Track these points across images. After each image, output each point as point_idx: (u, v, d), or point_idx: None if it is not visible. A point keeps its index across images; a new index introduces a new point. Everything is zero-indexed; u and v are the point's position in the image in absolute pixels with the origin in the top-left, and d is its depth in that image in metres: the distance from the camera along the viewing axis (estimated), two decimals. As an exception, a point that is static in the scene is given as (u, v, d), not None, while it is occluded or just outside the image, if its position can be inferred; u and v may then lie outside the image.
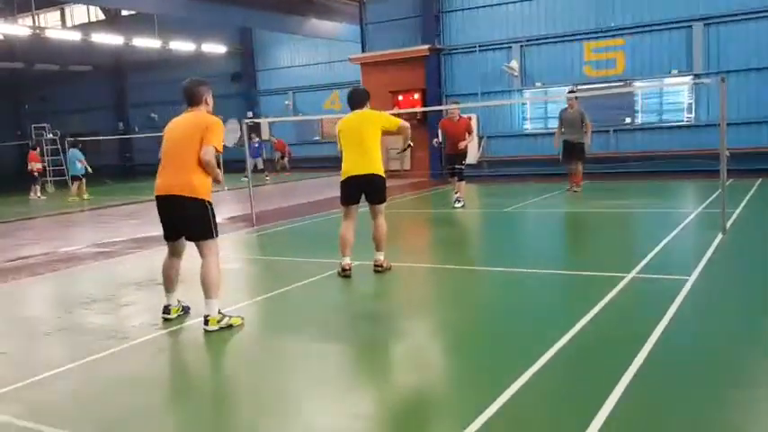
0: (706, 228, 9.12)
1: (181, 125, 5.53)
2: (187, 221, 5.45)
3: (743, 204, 10.73)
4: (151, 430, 3.66)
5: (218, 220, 5.60)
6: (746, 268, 6.92)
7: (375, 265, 7.10)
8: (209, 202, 5.43)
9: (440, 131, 13.26)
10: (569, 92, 13.99)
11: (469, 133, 12.57)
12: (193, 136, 5.32)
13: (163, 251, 5.89)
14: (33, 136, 26.19)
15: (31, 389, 4.37)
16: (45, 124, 27.41)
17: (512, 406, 3.63)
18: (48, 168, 24.46)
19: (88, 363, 4.84)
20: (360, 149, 7.23)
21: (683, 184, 14.89)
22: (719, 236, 8.11)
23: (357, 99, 7.47)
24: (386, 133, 7.49)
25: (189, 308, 5.94)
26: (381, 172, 7.28)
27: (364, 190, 7.26)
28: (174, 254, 5.76)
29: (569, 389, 3.90)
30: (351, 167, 7.21)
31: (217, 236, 5.50)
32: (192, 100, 5.60)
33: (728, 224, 8.58)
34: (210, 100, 5.67)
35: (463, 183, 12.76)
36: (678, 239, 8.44)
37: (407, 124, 7.41)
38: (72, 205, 18.18)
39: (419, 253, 9.20)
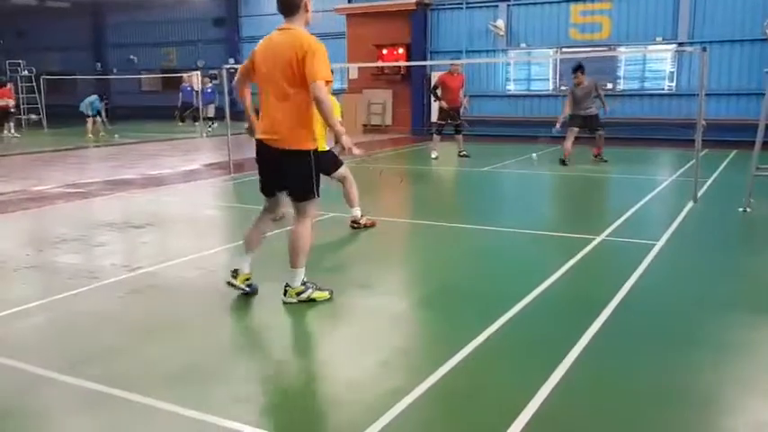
0: (678, 195, 9.26)
1: (276, 49, 4.39)
2: (287, 177, 4.55)
3: (716, 174, 10.88)
4: (118, 367, 3.69)
5: (195, 166, 5.50)
6: (713, 236, 7.06)
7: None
8: (313, 152, 4.50)
9: (438, 87, 13.59)
10: (576, 68, 12.40)
11: (462, 86, 13.78)
12: (291, 64, 4.29)
13: (136, 195, 5.84)
14: (8, 72, 25.55)
15: (-2, 323, 4.39)
16: (20, 61, 26.74)
17: (471, 361, 3.73)
18: (22, 106, 23.95)
19: (56, 300, 4.85)
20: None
21: (660, 151, 15.02)
22: (690, 204, 8.24)
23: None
24: None
25: (257, 288, 4.88)
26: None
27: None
28: (267, 210, 4.86)
29: (529, 346, 4.01)
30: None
31: (318, 196, 4.63)
32: (290, 7, 4.43)
33: (700, 193, 8.71)
34: (311, 6, 4.53)
35: (461, 136, 13.91)
36: (650, 205, 8.57)
37: (326, 99, 4.30)
38: (44, 144, 17.87)
39: (393, 208, 9.24)
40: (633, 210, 8.07)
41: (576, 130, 12.48)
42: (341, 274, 5.60)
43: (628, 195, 9.46)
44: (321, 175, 4.80)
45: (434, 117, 19.64)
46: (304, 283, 4.71)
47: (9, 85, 22.03)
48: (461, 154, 13.81)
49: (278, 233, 6.03)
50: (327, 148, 6.64)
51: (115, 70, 34.87)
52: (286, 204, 4.86)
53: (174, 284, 5.35)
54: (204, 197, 10.01)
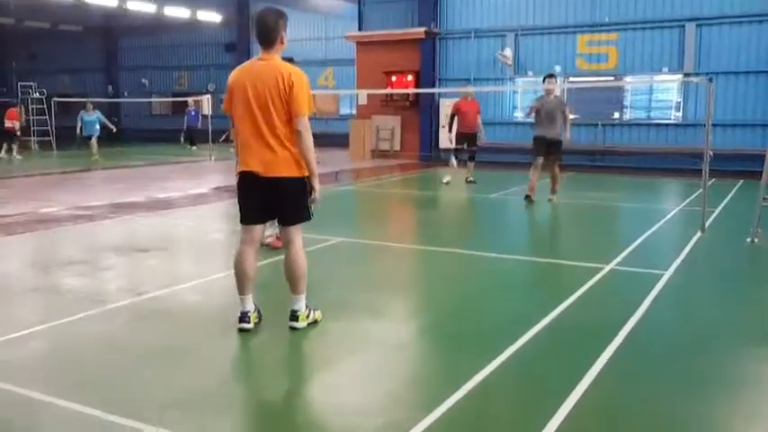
0: (686, 225, 9.22)
1: (262, 80, 4.37)
2: (282, 202, 4.52)
3: (723, 204, 10.84)
4: (117, 393, 3.67)
5: (203, 189, 5.50)
6: (722, 267, 7.02)
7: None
8: (306, 177, 4.50)
9: (456, 114, 13.59)
10: (548, 76, 11.30)
11: (479, 112, 13.65)
12: (280, 96, 4.32)
13: (143, 218, 5.84)
14: (19, 94, 25.83)
15: (1, 348, 4.36)
16: (32, 83, 27.04)
17: (477, 394, 3.68)
18: (32, 128, 24.16)
19: (60, 324, 4.83)
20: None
21: (667, 180, 15.01)
22: (698, 234, 8.20)
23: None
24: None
25: (261, 314, 4.80)
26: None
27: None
28: (252, 241, 4.67)
29: (537, 379, 3.95)
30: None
31: (312, 217, 4.64)
32: (269, 37, 4.44)
33: (708, 223, 8.67)
34: (286, 40, 4.53)
35: (473, 163, 13.78)
36: (658, 235, 8.53)
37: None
38: (52, 166, 17.97)
39: (400, 233, 9.22)
40: (641, 239, 8.04)
41: (541, 160, 11.03)
42: (346, 300, 5.57)
43: (636, 224, 9.43)
44: None
45: (442, 143, 19.85)
46: (306, 306, 4.71)
47: (20, 107, 22.23)
48: (468, 180, 13.81)
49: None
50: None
51: (126, 93, 35.22)
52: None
53: (178, 309, 5.33)
54: (211, 221, 10.03)
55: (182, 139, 25.66)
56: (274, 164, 4.42)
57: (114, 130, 20.59)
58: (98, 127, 19.88)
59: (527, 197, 11.00)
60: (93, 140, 19.65)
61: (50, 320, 4.89)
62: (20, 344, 4.46)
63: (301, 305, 4.66)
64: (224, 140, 22.40)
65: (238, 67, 4.62)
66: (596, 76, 17.89)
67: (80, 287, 5.91)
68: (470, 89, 14.14)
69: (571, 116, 11.32)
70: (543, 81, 11.15)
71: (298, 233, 4.64)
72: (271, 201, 4.54)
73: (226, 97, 4.58)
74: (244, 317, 4.63)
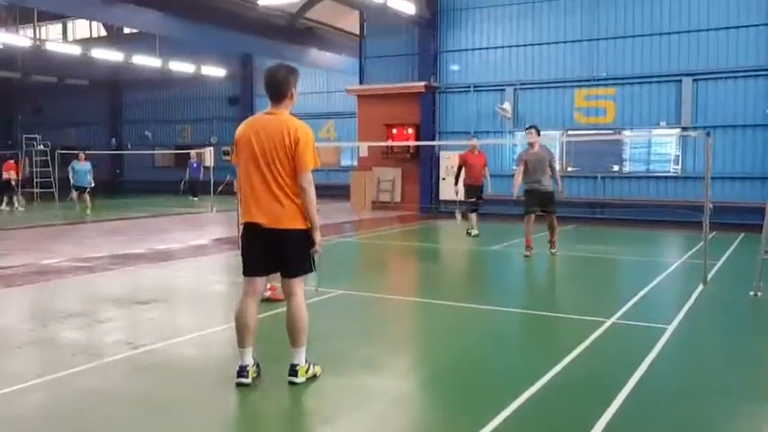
0: (687, 278, 9.18)
1: (270, 134, 4.45)
2: (284, 254, 4.52)
3: (725, 257, 10.82)
4: (115, 450, 3.60)
5: (204, 241, 5.51)
6: (725, 321, 6.96)
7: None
8: (309, 229, 4.54)
9: (460, 165, 13.53)
10: (528, 128, 11.17)
11: (485, 165, 13.48)
12: (286, 150, 4.40)
13: (143, 270, 5.84)
14: (24, 146, 26.10)
15: (-3, 401, 4.31)
16: (36, 135, 27.35)
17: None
18: (35, 180, 24.31)
19: (57, 378, 4.77)
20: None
21: (667, 233, 15.01)
22: (700, 287, 8.16)
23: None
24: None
25: (260, 368, 4.73)
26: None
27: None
28: (254, 293, 4.65)
29: (540, 432, 3.89)
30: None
31: (314, 269, 4.67)
32: (279, 91, 4.55)
33: (710, 276, 8.64)
34: (296, 96, 4.66)
35: (475, 215, 13.55)
36: (660, 288, 8.49)
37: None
38: (54, 218, 18.00)
39: (400, 286, 9.18)
40: (643, 292, 7.99)
41: (533, 213, 10.93)
42: (347, 353, 5.51)
43: (637, 277, 9.39)
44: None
45: (443, 195, 19.96)
46: (306, 360, 4.65)
47: (23, 160, 22.41)
48: (469, 232, 13.76)
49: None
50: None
51: (129, 145, 35.60)
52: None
53: (176, 363, 5.27)
54: (211, 272, 10.01)
55: (181, 189, 25.91)
56: (278, 216, 4.45)
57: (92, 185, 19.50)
58: (90, 178, 19.19)
59: (526, 257, 10.84)
60: (86, 194, 19.02)
61: (47, 374, 4.84)
62: (17, 397, 4.40)
63: (301, 359, 4.60)
64: (220, 191, 22.54)
65: (246, 121, 4.69)
66: (595, 129, 18.10)
67: (78, 340, 5.86)
68: (476, 142, 14.08)
69: (570, 168, 11.33)
70: (525, 131, 11.11)
71: (300, 285, 4.63)
72: (273, 252, 4.54)
73: (233, 150, 4.64)
74: (242, 371, 4.56)
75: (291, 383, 4.57)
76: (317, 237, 4.55)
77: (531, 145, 10.92)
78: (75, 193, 19.35)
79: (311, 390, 4.56)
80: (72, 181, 19.28)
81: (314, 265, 4.63)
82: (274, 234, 4.48)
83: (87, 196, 19.11)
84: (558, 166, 11.12)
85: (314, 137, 4.56)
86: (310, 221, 4.52)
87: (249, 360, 4.60)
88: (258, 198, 4.49)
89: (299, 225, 4.50)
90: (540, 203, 10.86)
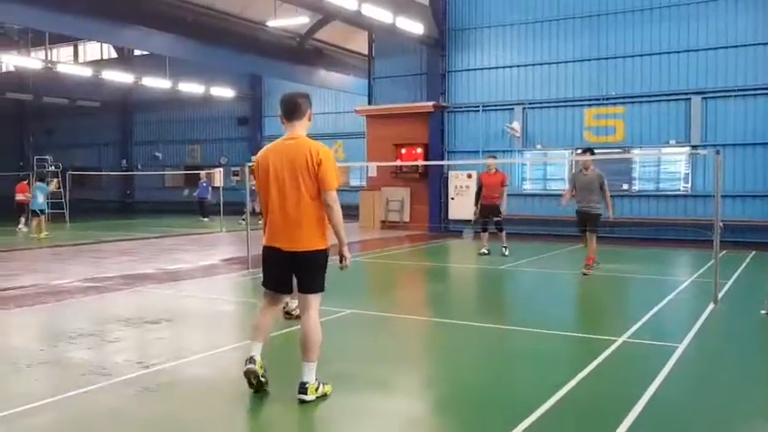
0: (698, 297, 9.12)
1: (290, 157, 4.58)
2: (302, 273, 4.71)
3: (735, 276, 10.74)
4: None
5: (213, 261, 5.54)
6: (736, 340, 6.90)
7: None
8: (325, 249, 4.71)
9: (479, 186, 13.74)
10: (582, 152, 11.79)
11: (503, 185, 13.48)
12: (309, 172, 4.54)
13: (153, 290, 5.86)
14: (35, 168, 26.33)
15: (5, 422, 4.31)
16: (47, 156, 27.61)
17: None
18: (47, 201, 24.45)
19: (67, 398, 4.78)
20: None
21: (677, 251, 14.93)
22: (711, 306, 8.10)
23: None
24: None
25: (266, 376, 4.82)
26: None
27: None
28: (273, 303, 4.93)
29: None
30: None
31: (324, 289, 4.80)
32: (295, 113, 4.71)
33: (720, 295, 8.58)
34: (312, 116, 4.88)
35: (503, 234, 13.57)
36: (670, 307, 8.43)
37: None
38: (65, 238, 18.08)
39: (410, 305, 9.16)
40: (654, 311, 7.94)
41: (585, 234, 11.16)
42: (358, 372, 5.49)
43: (648, 296, 9.33)
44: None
45: (452, 214, 19.96)
46: (316, 379, 4.65)
47: (28, 181, 22.47)
48: (482, 252, 13.73)
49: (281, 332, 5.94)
50: None
51: (140, 166, 35.86)
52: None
53: (186, 383, 5.27)
54: (221, 292, 10.01)
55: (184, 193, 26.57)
56: (297, 238, 4.61)
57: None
58: (41, 201, 18.68)
59: (584, 274, 10.95)
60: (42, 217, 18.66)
61: (58, 393, 4.85)
62: (28, 417, 4.42)
63: (311, 377, 4.60)
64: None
65: (266, 147, 4.83)
66: (604, 148, 18.07)
67: (88, 360, 5.87)
68: (492, 161, 13.98)
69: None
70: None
71: (315, 301, 4.74)
72: (290, 271, 4.74)
73: (256, 181, 4.80)
74: (251, 360, 4.67)
75: (302, 401, 4.56)
76: (346, 252, 4.75)
77: (584, 167, 11.25)
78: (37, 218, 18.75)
79: (323, 409, 4.54)
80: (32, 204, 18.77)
81: (323, 284, 4.75)
82: (293, 256, 4.65)
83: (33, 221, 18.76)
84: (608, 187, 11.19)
85: (334, 157, 4.72)
86: (338, 238, 4.70)
87: (256, 351, 4.71)
88: (277, 222, 4.65)
89: (316, 246, 4.65)
90: (581, 223, 11.28)
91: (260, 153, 4.79)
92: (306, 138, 4.70)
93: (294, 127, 4.72)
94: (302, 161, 4.54)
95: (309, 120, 4.79)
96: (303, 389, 4.58)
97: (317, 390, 4.62)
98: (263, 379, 4.71)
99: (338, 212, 4.60)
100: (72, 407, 4.66)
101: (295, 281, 4.80)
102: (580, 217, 11.25)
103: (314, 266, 4.69)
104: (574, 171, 12.00)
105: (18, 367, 5.70)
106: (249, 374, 4.65)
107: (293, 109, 4.72)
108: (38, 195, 18.78)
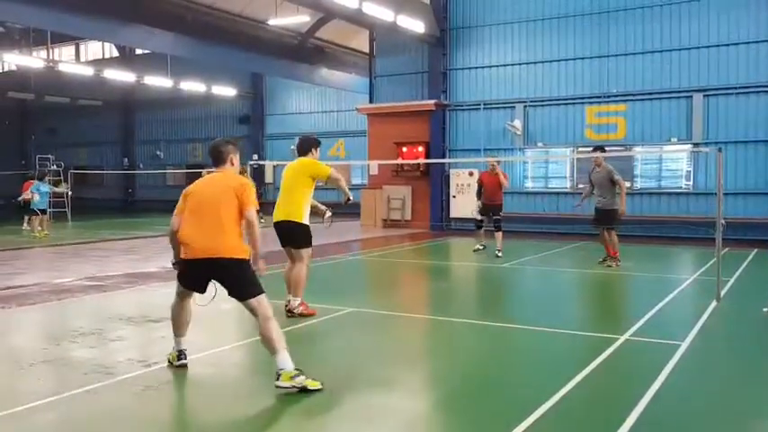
0: (700, 295, 9.11)
1: (212, 184, 5.34)
2: (230, 282, 5.15)
3: (738, 273, 10.73)
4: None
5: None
6: (738, 338, 6.89)
7: (286, 309, 7.20)
8: (247, 259, 5.15)
9: (479, 185, 13.76)
10: (594, 149, 12.14)
11: (504, 178, 13.52)
12: (228, 196, 5.15)
13: (156, 288, 5.87)
14: (37, 166, 26.34)
15: (8, 421, 4.32)
16: (50, 155, 27.63)
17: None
18: (49, 200, 24.48)
19: (69, 396, 4.79)
20: (284, 195, 7.39)
21: (679, 249, 14.92)
22: (714, 303, 8.09)
23: (300, 148, 7.59)
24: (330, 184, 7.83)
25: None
26: (298, 218, 7.23)
27: (284, 235, 7.34)
28: (187, 296, 5.52)
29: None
30: (275, 213, 7.38)
31: (263, 291, 5.13)
32: (218, 159, 5.46)
33: (723, 292, 8.57)
34: (237, 161, 5.53)
35: (500, 233, 13.39)
36: (673, 305, 8.42)
37: (339, 176, 7.49)
38: (68, 237, 18.08)
39: (411, 303, 9.16)
40: (656, 309, 7.93)
41: (602, 230, 11.64)
42: (359, 370, 5.49)
43: (650, 294, 9.33)
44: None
45: (453, 213, 19.97)
46: (298, 369, 4.77)
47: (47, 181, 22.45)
48: (476, 248, 13.76)
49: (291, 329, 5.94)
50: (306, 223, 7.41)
51: (141, 165, 35.88)
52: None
53: (188, 381, 5.27)
54: (223, 291, 10.00)
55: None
56: (222, 248, 5.08)
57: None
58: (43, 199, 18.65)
59: (608, 266, 11.54)
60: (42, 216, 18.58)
61: (61, 392, 4.85)
62: (30, 415, 4.43)
63: (284, 365, 4.78)
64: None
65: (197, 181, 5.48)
66: (606, 145, 17.96)
67: (91, 358, 5.88)
68: (493, 161, 13.90)
69: (581, 185, 11.66)
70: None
71: (259, 304, 5.04)
72: (218, 280, 5.25)
73: (180, 204, 5.35)
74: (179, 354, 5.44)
75: (277, 387, 4.75)
76: (261, 264, 5.26)
77: (596, 164, 11.63)
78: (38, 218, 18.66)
79: (324, 408, 4.55)
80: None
81: (260, 286, 5.15)
82: (213, 264, 5.20)
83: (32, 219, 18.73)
84: (620, 179, 11.49)
85: (254, 188, 5.42)
86: (254, 249, 5.23)
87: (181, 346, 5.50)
88: (199, 235, 5.23)
89: (240, 254, 5.15)
90: (596, 219, 11.76)
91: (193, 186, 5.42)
92: (230, 171, 5.44)
93: (221, 169, 5.43)
94: (231, 187, 5.23)
95: (233, 164, 5.46)
96: (277, 376, 4.79)
97: (292, 378, 4.75)
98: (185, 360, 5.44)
99: (257, 226, 5.23)
100: (75, 405, 4.67)
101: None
102: (596, 212, 11.71)
103: (241, 273, 5.17)
104: (590, 169, 12.15)
105: (21, 366, 5.71)
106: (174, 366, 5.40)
107: (215, 156, 5.45)
108: (37, 194, 18.76)
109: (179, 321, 5.49)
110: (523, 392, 4.91)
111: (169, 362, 5.48)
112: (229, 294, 5.14)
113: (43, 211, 18.90)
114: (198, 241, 5.08)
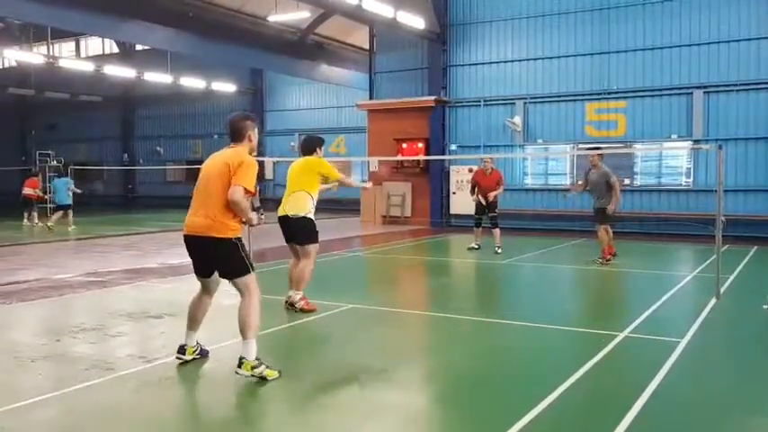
0: (700, 292, 9.12)
1: (216, 161, 5.18)
2: (217, 261, 5.18)
3: (737, 271, 10.74)
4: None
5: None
6: (738, 335, 6.90)
7: (287, 303, 7.38)
8: (236, 238, 5.10)
9: (473, 185, 13.68)
10: (590, 149, 12.28)
11: (499, 184, 13.40)
12: (224, 173, 5.00)
13: (156, 284, 5.89)
14: (37, 162, 26.35)
15: (8, 416, 4.33)
16: (50, 151, 27.61)
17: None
18: (49, 196, 24.51)
19: (70, 392, 4.80)
20: (290, 192, 7.48)
21: (679, 246, 14.93)
22: (713, 301, 8.10)
23: (304, 147, 7.70)
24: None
25: (207, 351, 5.65)
26: (301, 212, 7.31)
27: (289, 230, 7.46)
28: (205, 291, 5.52)
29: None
30: (280, 208, 7.51)
31: (252, 271, 5.17)
32: (235, 135, 5.29)
33: (723, 290, 8.58)
34: (255, 137, 5.34)
35: (497, 230, 13.42)
36: (672, 302, 8.44)
37: (350, 181, 8.18)
38: (67, 233, 18.08)
39: (411, 300, 9.17)
40: (656, 305, 7.95)
41: (600, 227, 11.67)
42: (359, 366, 5.50)
43: (650, 291, 9.34)
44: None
45: (453, 209, 19.98)
46: (258, 359, 4.93)
47: (38, 176, 22.54)
48: (471, 247, 13.72)
49: (297, 324, 5.95)
50: (310, 217, 7.44)
51: (141, 161, 35.87)
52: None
53: (189, 377, 5.29)
54: (224, 287, 10.01)
55: None
56: (209, 226, 5.04)
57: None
58: (69, 194, 18.90)
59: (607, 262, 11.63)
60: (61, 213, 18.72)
61: (61, 388, 4.87)
62: (30, 411, 4.44)
63: (248, 354, 4.94)
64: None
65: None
66: (605, 143, 18.05)
67: (91, 354, 5.89)
68: (488, 160, 13.64)
69: (580, 181, 11.85)
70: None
71: (246, 286, 5.13)
72: (206, 258, 5.26)
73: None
74: (181, 350, 5.44)
75: (237, 374, 4.93)
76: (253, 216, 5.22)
77: (593, 165, 11.79)
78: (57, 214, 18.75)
79: (323, 402, 4.56)
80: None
81: (250, 266, 5.20)
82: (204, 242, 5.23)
83: (58, 213, 18.79)
84: (615, 181, 11.66)
85: (256, 167, 5.14)
86: (243, 220, 5.18)
87: (190, 341, 5.54)
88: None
89: (227, 233, 5.12)
90: (593, 217, 12.04)
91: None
92: (240, 149, 5.22)
93: (235, 145, 5.29)
94: (226, 162, 5.09)
95: (251, 141, 5.30)
96: (240, 363, 4.96)
97: (253, 368, 4.90)
98: (198, 356, 5.56)
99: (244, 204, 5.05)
100: (75, 401, 4.68)
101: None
102: (593, 211, 11.93)
103: (228, 252, 5.16)
104: (587, 169, 12.23)
105: (21, 361, 5.72)
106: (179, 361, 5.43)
107: (232, 132, 5.32)
108: (61, 190, 18.80)
109: (190, 314, 5.53)
110: (522, 389, 4.93)
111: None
112: (219, 275, 5.25)
113: (68, 206, 18.85)
114: (189, 218, 5.15)
